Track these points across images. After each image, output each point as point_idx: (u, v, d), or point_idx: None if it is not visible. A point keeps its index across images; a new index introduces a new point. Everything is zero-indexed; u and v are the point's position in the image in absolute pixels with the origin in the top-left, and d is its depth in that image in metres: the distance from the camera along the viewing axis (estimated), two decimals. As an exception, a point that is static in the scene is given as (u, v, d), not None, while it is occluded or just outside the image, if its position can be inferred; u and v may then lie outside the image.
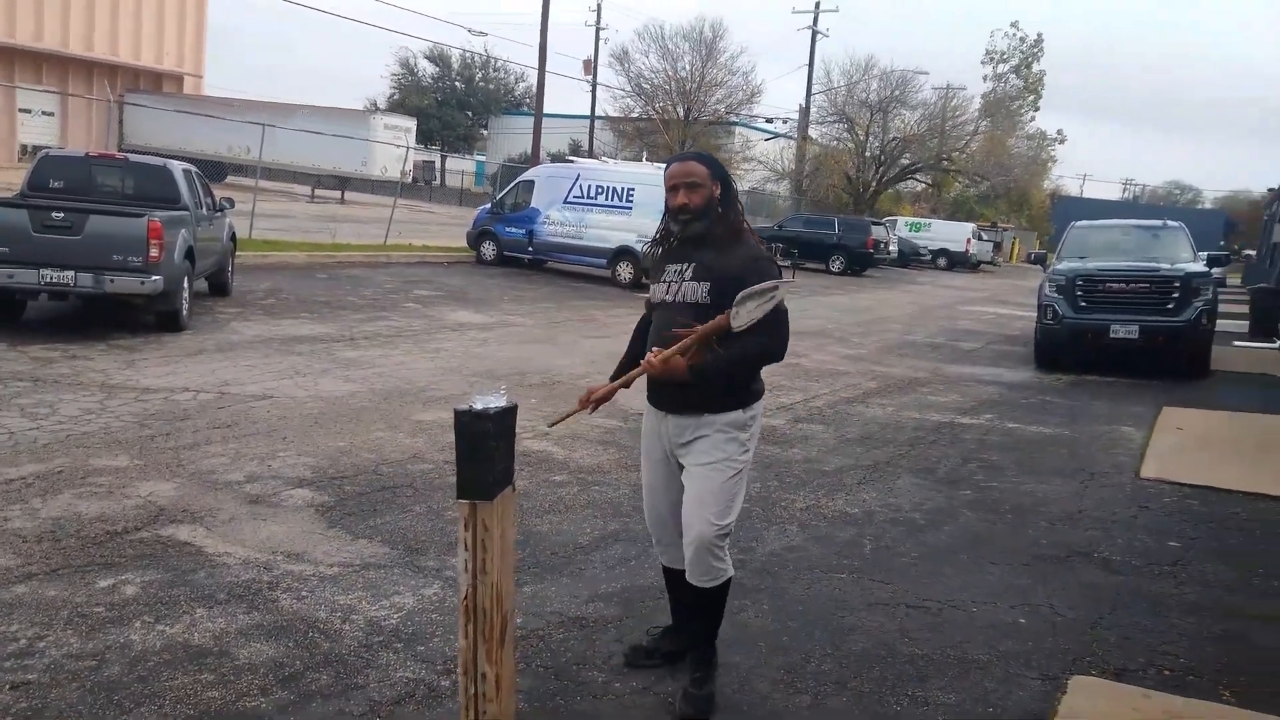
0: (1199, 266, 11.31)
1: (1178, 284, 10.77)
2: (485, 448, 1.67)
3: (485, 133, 57.17)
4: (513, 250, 19.43)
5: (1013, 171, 45.51)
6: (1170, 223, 12.87)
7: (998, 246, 41.67)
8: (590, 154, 37.80)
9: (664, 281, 3.14)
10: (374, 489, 5.26)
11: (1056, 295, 11.26)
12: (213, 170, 28.52)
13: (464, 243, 20.70)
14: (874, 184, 43.14)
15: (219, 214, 11.29)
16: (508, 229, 19.46)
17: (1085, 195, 71.77)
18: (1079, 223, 13.29)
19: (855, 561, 4.57)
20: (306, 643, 3.42)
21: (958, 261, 35.99)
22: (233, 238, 12.25)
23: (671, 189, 3.10)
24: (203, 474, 5.26)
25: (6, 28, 33.20)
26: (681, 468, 3.15)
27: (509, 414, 1.75)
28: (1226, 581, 4.49)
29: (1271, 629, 3.99)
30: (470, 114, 56.97)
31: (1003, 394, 9.65)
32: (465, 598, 1.70)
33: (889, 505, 5.53)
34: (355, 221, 24.58)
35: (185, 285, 9.33)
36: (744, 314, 2.91)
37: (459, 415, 1.69)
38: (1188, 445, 7.26)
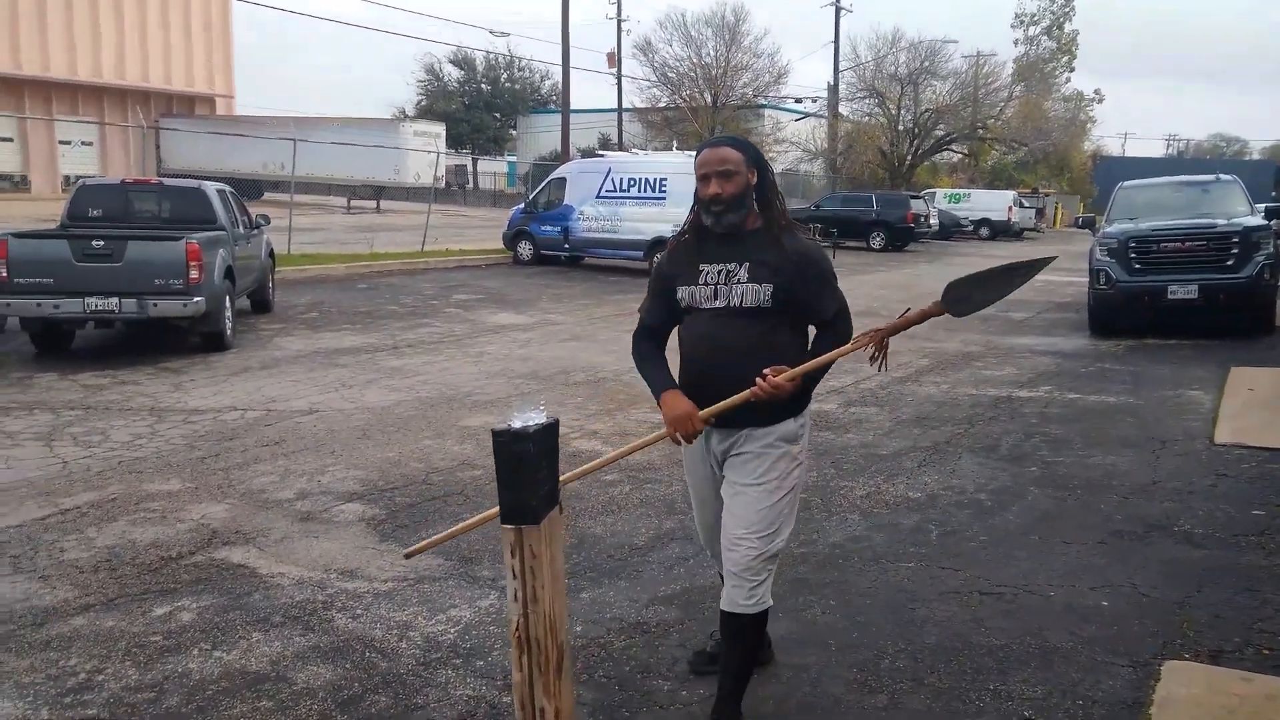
0: (1258, 220, 10.90)
1: (1236, 239, 10.39)
2: (527, 469, 1.55)
3: (514, 133, 57.26)
4: (549, 248, 19.41)
5: (1050, 135, 44.54)
6: (1223, 176, 12.44)
7: (1040, 213, 40.83)
8: (620, 147, 37.70)
9: (705, 284, 2.77)
10: (424, 499, 5.20)
11: (1109, 259, 10.92)
12: (249, 188, 28.89)
13: (500, 244, 20.71)
14: (909, 157, 42.49)
15: (256, 231, 11.34)
16: (543, 228, 19.43)
17: (1127, 154, 70.12)
18: (1127, 183, 12.90)
19: (922, 549, 4.40)
20: (364, 663, 3.34)
21: (1000, 231, 35.31)
22: (271, 254, 12.32)
23: (703, 178, 2.76)
24: (253, 493, 5.22)
25: (41, 62, 33.89)
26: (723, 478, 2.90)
27: (550, 431, 1.63)
28: (1319, 550, 4.26)
29: (1373, 599, 3.76)
30: (498, 115, 57.07)
31: (1059, 364, 9.37)
32: (516, 629, 1.59)
33: (952, 487, 5.34)
34: (392, 230, 24.70)
35: (227, 305, 9.37)
36: (976, 299, 2.69)
37: (497, 437, 1.57)
38: (1261, 407, 6.97)
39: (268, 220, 11.94)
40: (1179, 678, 3.12)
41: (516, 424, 1.59)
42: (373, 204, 35.36)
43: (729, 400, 2.68)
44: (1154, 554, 4.27)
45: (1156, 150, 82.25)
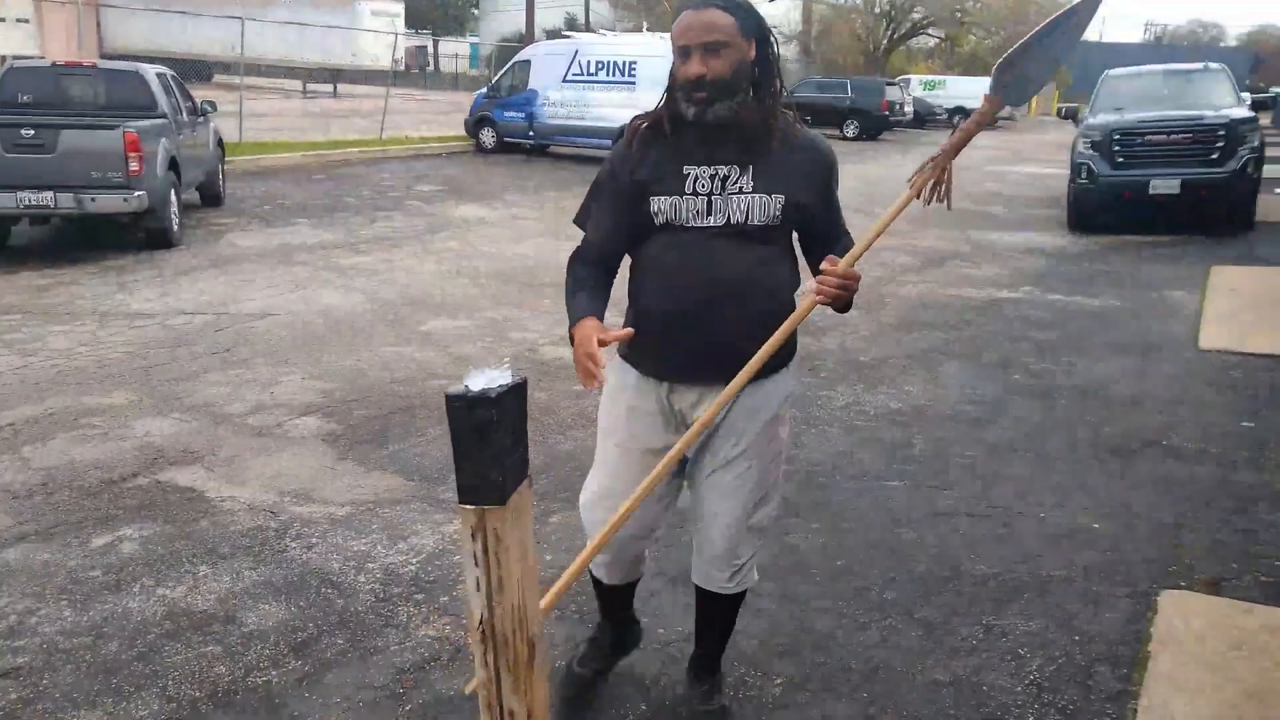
0: (1244, 111, 10.60)
1: (1222, 131, 10.10)
2: (492, 440, 1.28)
3: (476, 12, 54.99)
4: (513, 136, 18.72)
5: (1030, 19, 43.40)
6: (1211, 65, 12.06)
7: (1016, 101, 39.99)
8: (587, 27, 36.28)
9: (694, 193, 2.10)
10: (386, 412, 4.93)
11: (1091, 152, 10.61)
12: (198, 71, 27.54)
13: (462, 131, 19.96)
14: (885, 42, 41.40)
15: (201, 119, 10.71)
16: (506, 113, 18.71)
17: (1105, 41, 68.88)
18: (1112, 71, 12.48)
19: (908, 466, 4.23)
20: (319, 601, 3.13)
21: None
22: (220, 143, 11.69)
23: (682, 51, 2.04)
24: (202, 407, 4.93)
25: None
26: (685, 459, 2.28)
27: (518, 393, 1.35)
28: (1313, 465, 4.13)
29: (1370, 518, 3.64)
30: (460, -7, 54.65)
31: (1040, 263, 9.16)
32: (480, 624, 1.34)
33: (937, 398, 5.16)
34: (350, 116, 23.73)
35: (172, 198, 8.86)
36: (1033, 76, 2.05)
37: (452, 403, 1.29)
38: (1245, 309, 6.82)
39: (214, 106, 11.26)
40: (1178, 610, 2.98)
41: (476, 385, 1.30)
42: (329, 88, 33.95)
43: (769, 345, 2.05)
44: (1146, 471, 4.12)
45: (1135, 36, 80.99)
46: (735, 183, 2.09)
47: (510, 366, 1.36)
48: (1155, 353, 5.87)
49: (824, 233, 2.23)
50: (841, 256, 2.05)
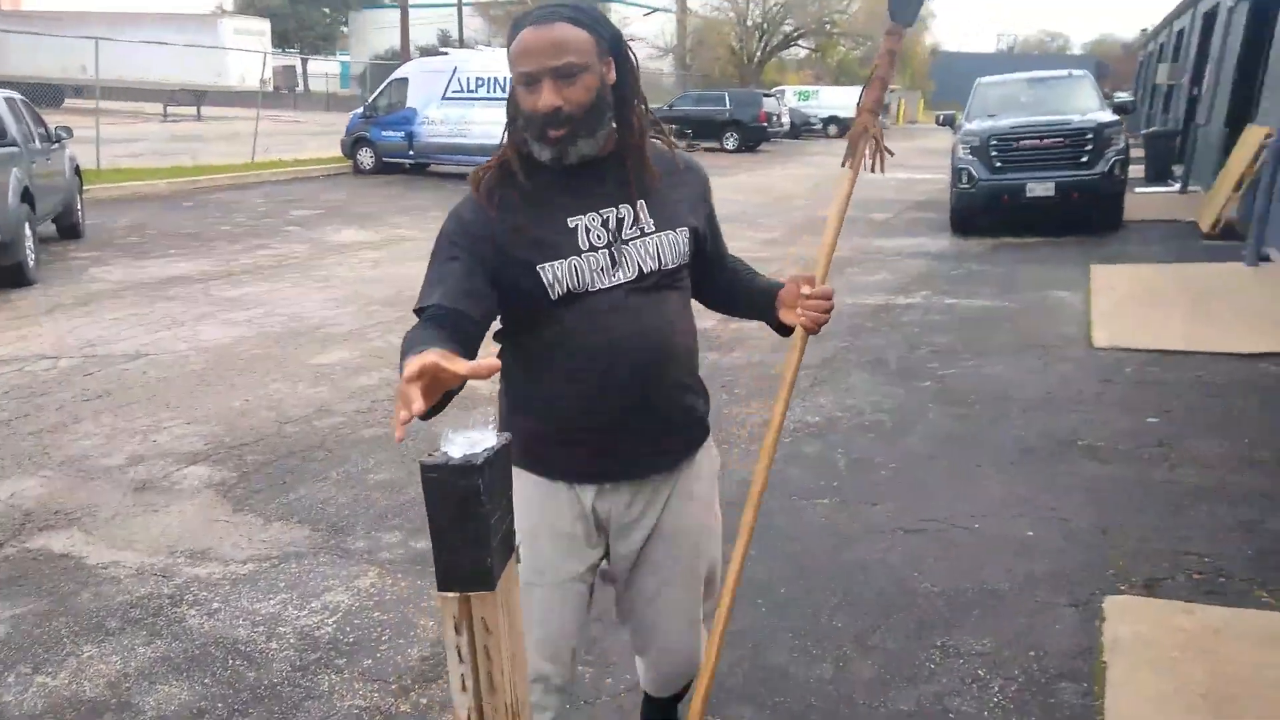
0: (1109, 115, 11.09)
1: (1090, 135, 10.54)
2: (478, 515, 1.09)
3: (346, 30, 53.77)
4: (392, 155, 18.23)
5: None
6: (1075, 72, 12.62)
7: (886, 109, 41.37)
8: (461, 44, 35.80)
9: (589, 248, 1.70)
10: (280, 455, 4.61)
11: (970, 157, 10.93)
12: (48, 95, 26.00)
13: (339, 152, 19.35)
14: (759, 53, 42.20)
15: (56, 145, 10.00)
16: (384, 133, 18.22)
17: (962, 51, 72.04)
18: (984, 79, 12.92)
19: (834, 481, 4.16)
20: (228, 675, 2.83)
21: (849, 128, 35.62)
22: (77, 170, 10.95)
23: (526, 79, 1.64)
24: (75, 461, 4.51)
25: None
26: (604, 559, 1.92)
27: (503, 456, 1.16)
28: (1220, 458, 4.24)
29: (1281, 508, 3.73)
30: (327, 11, 53.32)
31: (930, 266, 9.35)
32: (465, 728, 1.15)
33: (849, 408, 5.13)
34: (217, 139, 22.77)
35: (27, 232, 8.21)
36: (910, 3, 1.91)
37: (430, 473, 1.09)
38: (1128, 306, 7.07)
39: (69, 132, 10.54)
40: (1122, 615, 2.97)
41: (456, 451, 1.11)
42: (193, 110, 32.54)
43: (782, 404, 1.84)
44: (1067, 474, 4.15)
45: (988, 46, 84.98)
46: (633, 225, 1.73)
47: (492, 423, 1.17)
48: (1053, 352, 6.00)
49: (716, 255, 1.94)
50: (746, 269, 2.00)
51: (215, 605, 3.24)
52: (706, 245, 1.87)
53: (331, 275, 8.93)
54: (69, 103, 30.29)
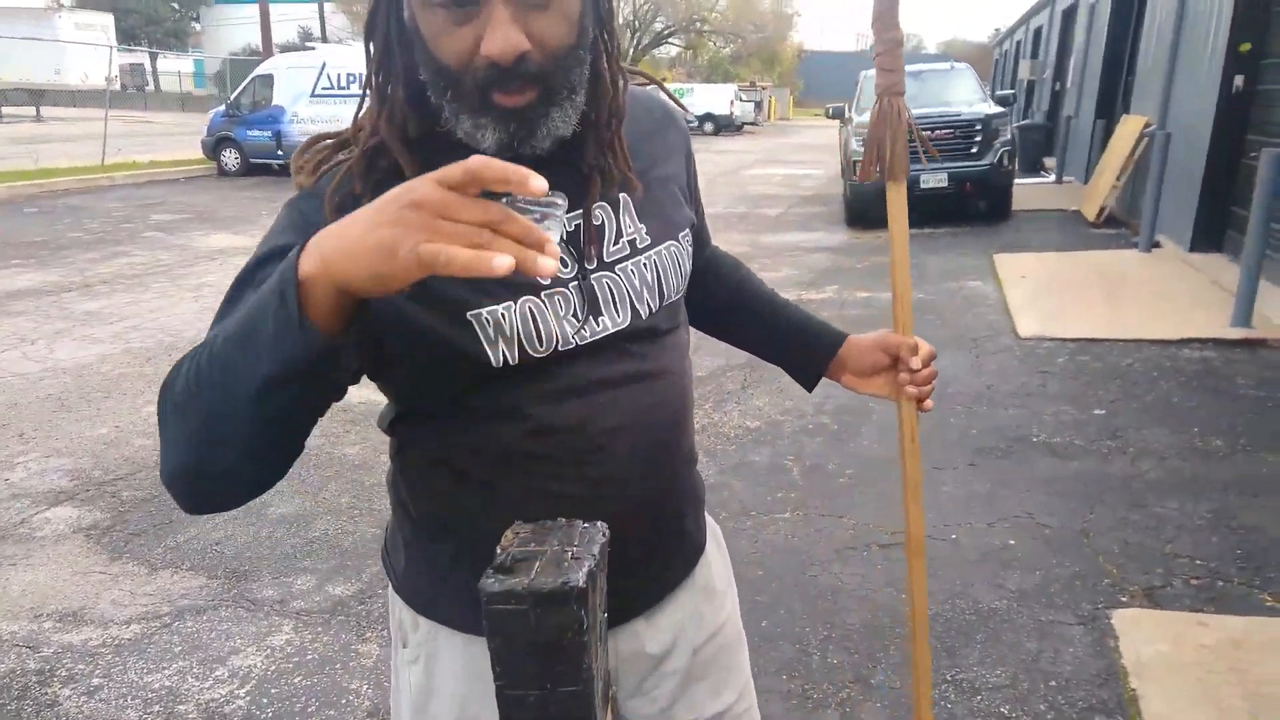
0: (995, 108, 11.24)
1: (979, 126, 10.64)
2: (578, 659, 0.69)
3: (198, 26, 51.14)
4: (259, 155, 17.22)
5: (765, 29, 45.64)
6: (956, 64, 12.78)
7: (759, 106, 41.89)
8: (324, 40, 34.39)
9: (551, 284, 0.99)
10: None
11: (863, 149, 10.88)
12: None
13: (199, 153, 18.18)
14: (630, 51, 42.06)
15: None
16: (250, 132, 17.18)
17: (825, 49, 73.85)
18: (868, 72, 12.87)
19: (790, 493, 3.86)
20: (118, 778, 2.31)
21: (724, 125, 35.86)
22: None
23: (457, 1, 0.88)
24: (-93, 511, 3.82)
25: None
26: None
27: (601, 558, 0.75)
28: (1176, 449, 4.12)
29: (1254, 505, 3.61)
30: (176, 5, 50.59)
31: (833, 259, 9.22)
32: None
33: (789, 410, 4.85)
34: (61, 140, 21.12)
35: None
36: None
37: (502, 605, 0.68)
38: (1041, 294, 7.04)
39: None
40: (1135, 631, 2.75)
41: (550, 577, 0.69)
42: (30, 110, 30.22)
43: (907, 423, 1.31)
44: (1028, 473, 3.96)
45: (849, 45, 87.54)
46: (616, 239, 1.05)
47: (577, 522, 0.77)
48: (982, 344, 5.88)
49: (702, 243, 1.30)
50: (729, 284, 1.39)
51: (95, 681, 2.70)
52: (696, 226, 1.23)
53: (204, 283, 8.17)
54: (-113, 102, 27.76)
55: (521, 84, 0.90)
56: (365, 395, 3.67)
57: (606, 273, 1.03)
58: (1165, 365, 5.28)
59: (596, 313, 1.02)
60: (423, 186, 0.70)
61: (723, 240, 10.28)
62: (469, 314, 0.96)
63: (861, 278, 8.24)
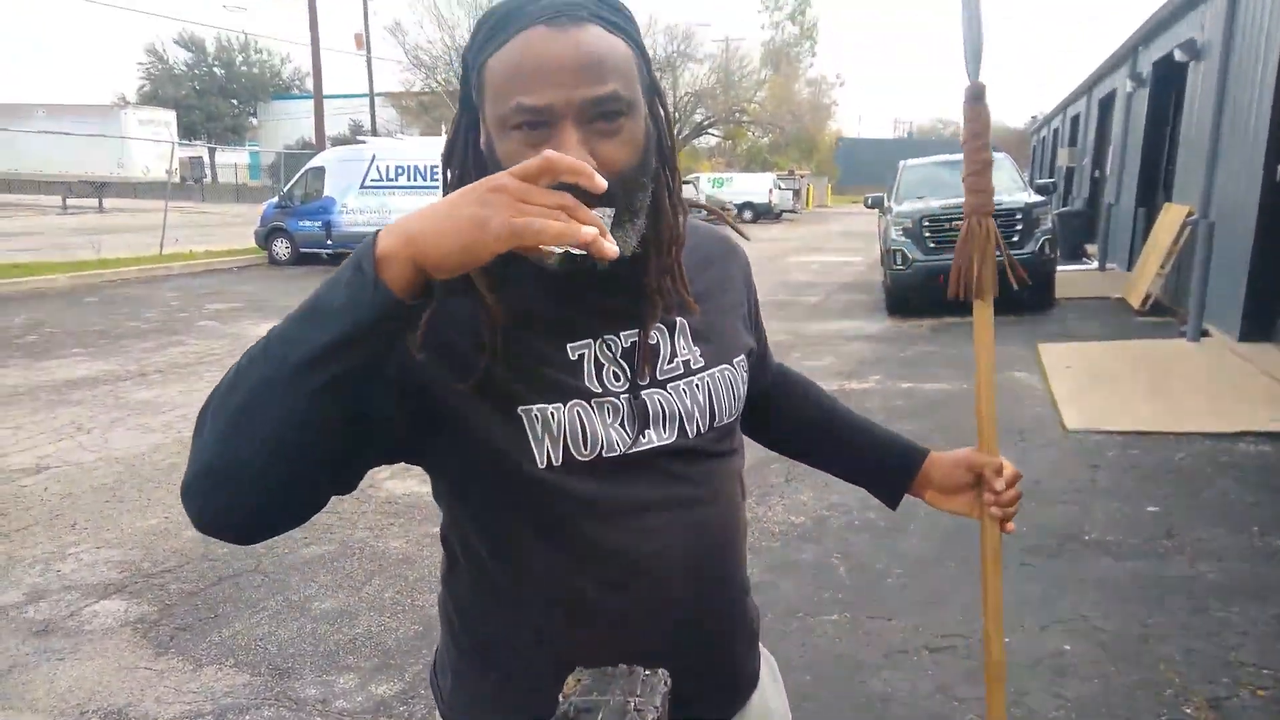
0: (1035, 196, 11.29)
1: (1020, 215, 10.67)
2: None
3: (255, 121, 53.22)
4: (310, 245, 17.73)
5: (803, 118, 46.47)
6: (995, 153, 12.88)
7: (797, 194, 42.42)
8: (373, 133, 35.62)
9: (601, 391, 1.03)
10: (209, 582, 4.06)
11: (904, 239, 10.97)
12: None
13: (253, 243, 18.74)
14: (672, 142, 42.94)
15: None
16: (301, 223, 17.72)
17: (863, 136, 74.93)
18: (908, 161, 13.12)
19: (838, 593, 3.80)
20: None
21: (762, 213, 36.28)
22: (-30, 267, 10.19)
23: (532, 123, 0.93)
24: (-37, 602, 3.88)
25: None
26: None
27: (664, 708, 0.76)
28: (1235, 550, 4.01)
29: (1315, 604, 3.50)
30: (235, 102, 52.78)
31: (875, 349, 9.21)
32: None
33: (835, 505, 4.80)
34: (122, 231, 21.87)
35: (-89, 335, 7.47)
36: (974, 57, 1.24)
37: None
38: (1088, 386, 6.96)
39: (-38, 226, 9.83)
40: (1199, 746, 2.65)
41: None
42: (94, 202, 31.42)
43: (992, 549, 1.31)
44: (1082, 573, 3.87)
45: (886, 132, 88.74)
46: (671, 359, 1.09)
47: (639, 669, 0.77)
48: (1029, 437, 5.80)
49: (762, 367, 1.36)
50: (797, 401, 1.41)
51: (140, 785, 2.69)
52: (752, 362, 1.24)
53: (253, 373, 8.33)
54: (-41, 195, 29.01)
55: (591, 207, 0.92)
56: (409, 488, 3.75)
57: (658, 390, 1.06)
58: (1220, 460, 5.17)
59: (645, 425, 1.05)
60: (503, 176, 0.81)
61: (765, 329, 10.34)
62: (520, 409, 1.00)
63: (904, 367, 8.21)
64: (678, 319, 1.10)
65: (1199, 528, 4.26)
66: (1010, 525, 1.30)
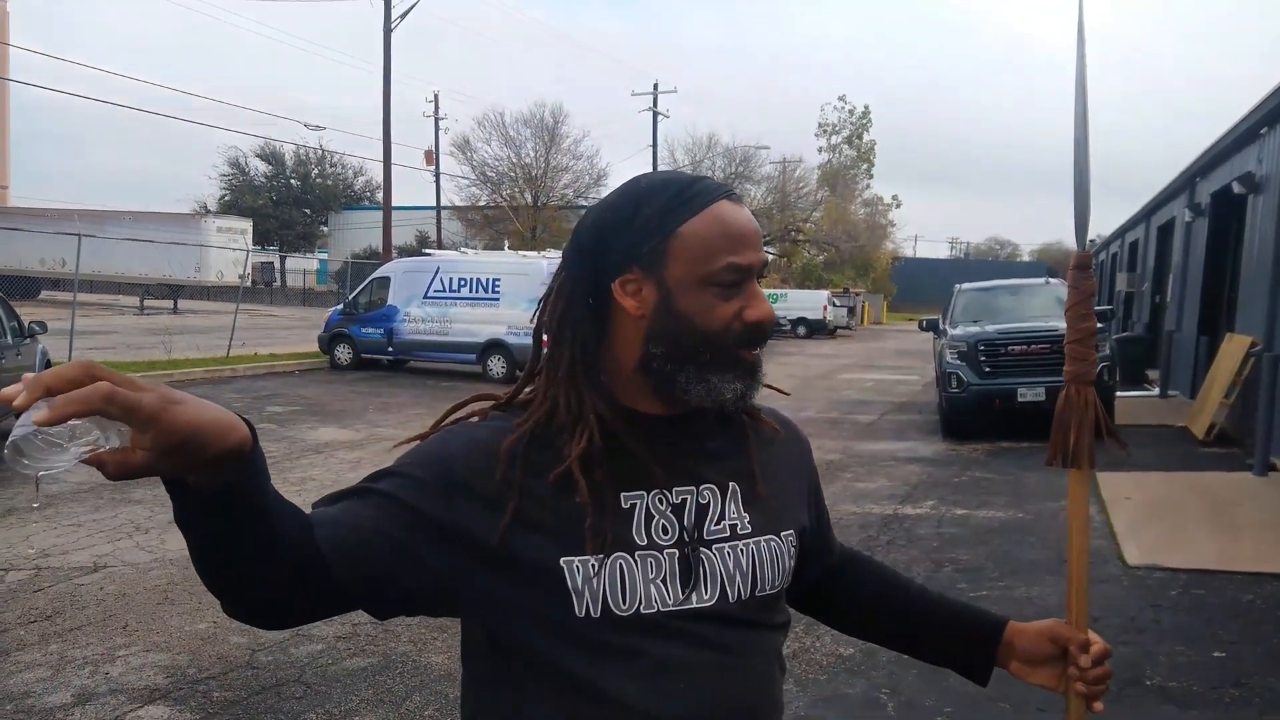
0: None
1: (1077, 342, 10.58)
2: None
3: (325, 229, 55.22)
4: (371, 351, 18.15)
5: (859, 238, 47.00)
6: (1050, 280, 12.90)
7: (852, 311, 42.61)
8: (439, 245, 36.73)
9: (649, 545, 1.06)
10: (252, 691, 4.06)
11: (959, 362, 10.93)
12: (24, 286, 26.02)
13: (315, 347, 19.24)
14: (726, 259, 43.61)
15: (28, 340, 9.70)
16: (364, 329, 18.19)
17: (918, 256, 75.33)
18: (963, 285, 13.17)
19: (886, 731, 3.68)
20: None
21: (816, 329, 36.42)
22: (48, 365, 10.60)
23: (733, 280, 1.07)
24: (12, 698, 3.93)
25: None
26: None
27: None
28: (1307, 702, 3.83)
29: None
30: (308, 211, 54.92)
31: (929, 472, 9.09)
32: None
33: (884, 637, 4.68)
34: (192, 332, 22.63)
35: (-12, 431, 7.76)
36: (1082, 229, 1.30)
37: None
38: (1150, 517, 6.78)
39: (44, 327, 10.27)
40: None
41: None
42: (169, 304, 32.66)
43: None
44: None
45: (942, 252, 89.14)
46: (720, 519, 1.11)
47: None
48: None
49: (822, 550, 1.35)
50: (866, 582, 1.38)
51: None
52: (809, 542, 1.27)
53: (308, 477, 8.48)
54: (45, 294, 30.38)
55: (760, 341, 1.11)
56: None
57: (703, 548, 1.08)
58: (1290, 603, 4.97)
59: (687, 584, 1.06)
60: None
61: (816, 447, 10.24)
62: (562, 560, 1.03)
63: (959, 493, 8.07)
64: (731, 484, 1.13)
65: (1269, 675, 4.08)
66: (1098, 705, 1.24)
